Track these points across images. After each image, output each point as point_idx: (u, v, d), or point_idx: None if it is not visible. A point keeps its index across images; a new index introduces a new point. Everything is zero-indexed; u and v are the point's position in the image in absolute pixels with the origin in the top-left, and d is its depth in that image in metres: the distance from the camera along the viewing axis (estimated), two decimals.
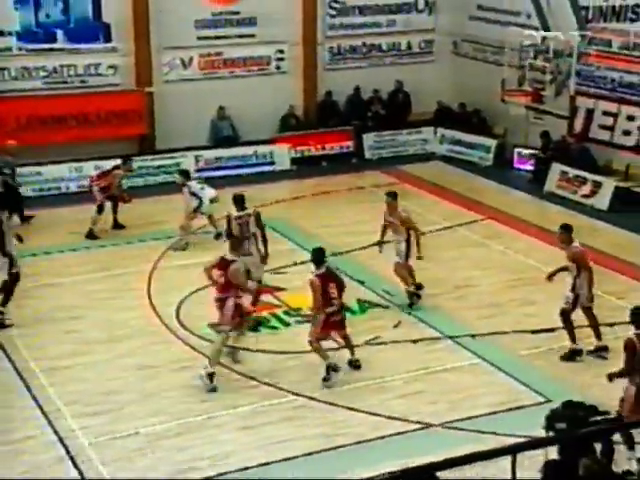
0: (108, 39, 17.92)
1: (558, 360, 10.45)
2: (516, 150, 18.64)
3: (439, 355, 10.68)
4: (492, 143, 19.03)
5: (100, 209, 14.50)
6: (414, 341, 10.97)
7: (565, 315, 10.51)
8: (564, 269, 10.58)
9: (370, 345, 10.90)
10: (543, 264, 13.25)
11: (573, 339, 10.52)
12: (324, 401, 9.63)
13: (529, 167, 18.17)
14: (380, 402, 9.63)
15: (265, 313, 11.71)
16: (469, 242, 14.38)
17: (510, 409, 9.50)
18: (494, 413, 9.45)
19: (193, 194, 14.21)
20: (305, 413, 9.47)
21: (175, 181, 14.81)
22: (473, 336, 11.07)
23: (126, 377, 10.14)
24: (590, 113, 17.09)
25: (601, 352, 10.50)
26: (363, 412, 9.44)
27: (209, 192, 14.45)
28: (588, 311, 10.57)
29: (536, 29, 17.89)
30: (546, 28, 17.82)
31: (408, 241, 11.60)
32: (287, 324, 11.57)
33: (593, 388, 9.65)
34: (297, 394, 9.78)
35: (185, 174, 14.62)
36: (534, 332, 11.13)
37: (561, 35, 17.13)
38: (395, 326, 11.44)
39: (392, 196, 11.74)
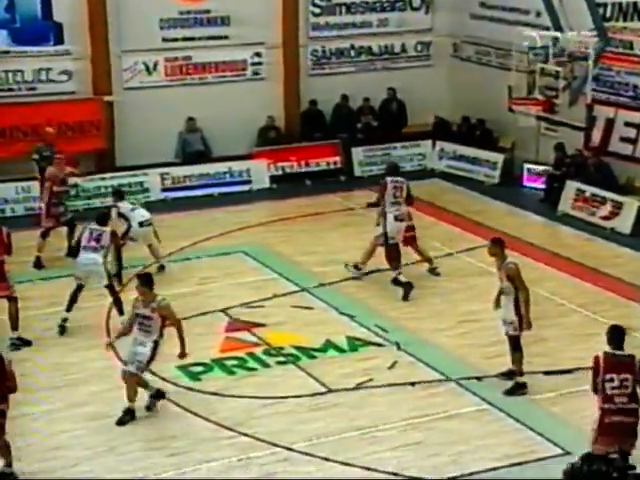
0: (60, 41, 18.02)
1: (576, 405, 10.50)
2: (526, 166, 18.82)
3: (440, 400, 10.71)
4: (498, 158, 19.20)
5: (44, 234, 14.53)
6: (412, 384, 11.00)
7: (516, 341, 10.64)
8: (501, 292, 10.76)
9: (361, 389, 10.91)
10: (557, 295, 13.38)
11: (521, 371, 10.68)
12: (309, 453, 9.61)
13: (540, 185, 18.34)
14: (372, 455, 9.61)
15: (242, 353, 11.70)
16: (472, 271, 14.46)
17: (523, 462, 9.50)
18: (504, 467, 9.44)
19: (121, 216, 14.10)
20: (287, 467, 9.45)
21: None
22: (479, 378, 11.11)
23: (79, 429, 10.09)
24: (610, 124, 17.30)
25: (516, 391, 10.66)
26: (353, 466, 9.42)
27: (140, 214, 14.25)
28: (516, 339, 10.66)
29: (547, 29, 18.10)
30: (558, 28, 18.02)
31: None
32: (267, 365, 11.57)
33: None
34: (278, 445, 9.76)
35: (118, 194, 14.58)
36: (547, 373, 11.17)
37: (576, 36, 17.34)
38: (390, 367, 11.46)
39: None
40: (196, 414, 10.30)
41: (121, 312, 12.26)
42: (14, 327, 11.87)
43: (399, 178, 13.93)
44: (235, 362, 11.53)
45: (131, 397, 10.15)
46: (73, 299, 12.38)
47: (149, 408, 10.35)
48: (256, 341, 12.11)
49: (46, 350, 11.86)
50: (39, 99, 17.77)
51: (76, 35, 18.00)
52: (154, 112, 18.48)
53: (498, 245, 10.81)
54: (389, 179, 13.80)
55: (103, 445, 9.80)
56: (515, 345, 10.73)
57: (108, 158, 18.43)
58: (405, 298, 13.25)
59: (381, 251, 13.81)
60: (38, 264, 14.48)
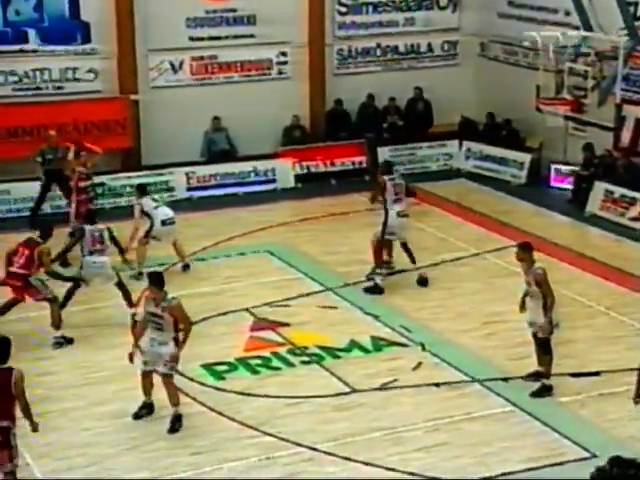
0: (87, 40, 18.15)
1: (603, 408, 10.41)
2: (553, 166, 18.70)
3: (465, 401, 10.65)
4: (525, 158, 19.10)
5: (72, 234, 14.65)
6: (436, 385, 10.95)
7: (546, 344, 10.64)
8: (527, 295, 10.75)
9: (386, 390, 10.88)
10: (584, 296, 13.27)
11: (549, 373, 10.67)
12: (332, 454, 9.60)
13: (568, 185, 18.21)
14: (396, 455, 9.58)
15: (267, 352, 11.71)
16: (498, 272, 14.38)
17: (548, 465, 9.43)
18: (529, 470, 9.38)
19: (144, 213, 14.09)
20: (311, 467, 9.44)
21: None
22: (504, 379, 11.05)
23: (104, 427, 10.13)
24: (639, 123, 17.14)
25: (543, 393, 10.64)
26: (377, 467, 9.40)
27: (163, 212, 14.24)
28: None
29: (576, 28, 17.98)
30: (588, 27, 17.89)
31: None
32: (291, 365, 11.57)
33: None
34: (302, 445, 9.75)
35: (140, 190, 14.53)
36: (574, 375, 11.08)
37: (605, 35, 17.21)
38: (415, 368, 11.43)
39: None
40: (220, 413, 10.32)
41: (130, 304, 12.32)
42: (56, 326, 11.96)
43: (394, 175, 14.01)
44: (259, 361, 11.55)
45: (175, 402, 10.03)
46: (69, 297, 12.37)
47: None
48: (280, 340, 12.12)
49: (69, 349, 11.94)
50: (66, 98, 17.90)
51: (103, 34, 18.12)
52: (180, 111, 18.55)
53: (526, 250, 10.75)
54: (387, 178, 13.73)
55: (126, 443, 9.84)
56: (545, 348, 10.69)
57: (134, 157, 18.54)
58: (367, 291, 13.35)
59: (401, 251, 13.80)
60: (65, 262, 14.57)
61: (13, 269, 12.00)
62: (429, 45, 20.63)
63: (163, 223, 14.17)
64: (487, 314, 12.83)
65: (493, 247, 15.35)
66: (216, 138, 19.00)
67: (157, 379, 10.17)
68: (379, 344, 12.02)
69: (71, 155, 15.65)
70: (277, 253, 15.10)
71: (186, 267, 14.36)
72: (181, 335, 10.00)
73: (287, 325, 12.53)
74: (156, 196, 15.02)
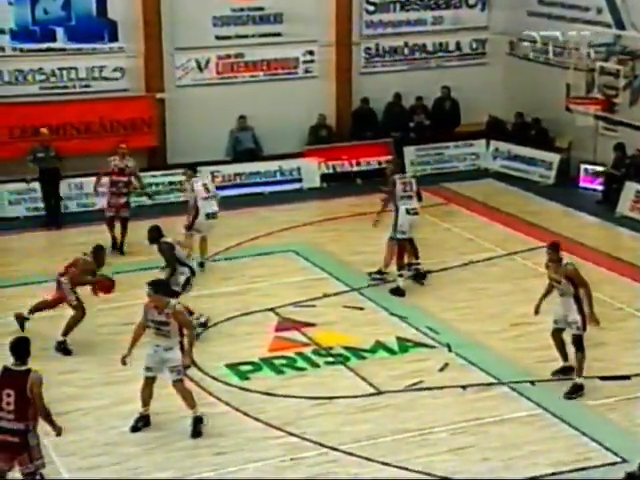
0: (114, 38, 18.25)
1: (633, 412, 10.31)
2: (583, 166, 18.55)
3: (492, 404, 10.60)
4: (554, 158, 18.96)
5: (109, 224, 15.16)
6: (463, 387, 10.91)
7: (579, 341, 10.64)
8: (547, 294, 10.95)
9: (412, 391, 10.86)
10: (615, 299, 13.15)
11: (582, 371, 10.69)
12: (358, 455, 9.59)
13: (598, 186, 18.07)
14: (423, 458, 9.55)
15: (291, 352, 11.72)
16: (527, 273, 14.29)
17: (578, 469, 9.37)
18: (558, 473, 9.32)
19: (192, 192, 14.15)
20: (335, 469, 9.43)
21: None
22: (533, 382, 10.98)
23: (128, 426, 10.17)
24: None
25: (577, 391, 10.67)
26: (403, 469, 9.37)
27: (210, 204, 14.24)
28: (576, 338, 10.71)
29: (608, 26, 17.85)
30: (620, 25, 17.76)
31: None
32: (316, 365, 11.57)
33: None
34: (327, 446, 9.75)
35: (192, 169, 14.61)
36: (603, 379, 11.00)
37: (638, 33, 17.07)
38: (441, 369, 11.39)
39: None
40: (245, 413, 10.34)
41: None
42: (64, 333, 11.89)
43: (406, 175, 14.02)
44: (284, 361, 11.56)
45: (191, 404, 10.04)
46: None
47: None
48: (305, 341, 12.12)
49: (96, 347, 12.01)
50: (93, 96, 18.01)
51: (130, 33, 18.21)
52: (205, 110, 18.60)
53: (558, 249, 10.87)
54: (397, 177, 13.70)
55: (152, 442, 9.89)
56: (578, 345, 10.69)
57: (159, 155, 18.62)
58: (392, 293, 13.32)
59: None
60: (114, 245, 15.09)
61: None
62: (457, 44, 20.54)
63: (207, 216, 14.22)
64: (515, 316, 12.75)
65: (521, 248, 15.27)
66: (242, 137, 19.03)
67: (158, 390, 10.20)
68: (405, 345, 11.99)
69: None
70: (302, 253, 15.11)
71: (201, 265, 14.31)
72: (186, 341, 10.00)
73: (312, 325, 12.53)
74: (209, 185, 14.76)
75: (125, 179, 15.38)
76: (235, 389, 10.90)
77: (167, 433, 10.04)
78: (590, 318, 10.65)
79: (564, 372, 10.98)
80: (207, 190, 14.40)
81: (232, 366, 11.35)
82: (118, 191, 15.27)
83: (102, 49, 18.16)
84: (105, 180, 15.58)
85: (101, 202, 15.99)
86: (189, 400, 10.04)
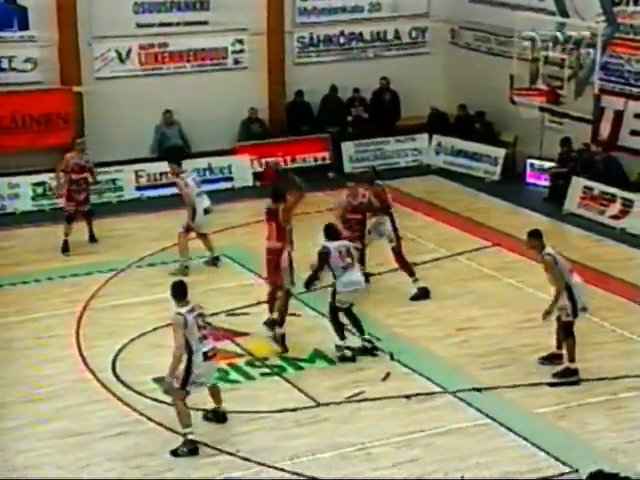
0: (25, 26, 18.01)
1: (584, 419, 10.55)
2: (529, 161, 18.91)
3: (438, 414, 10.74)
4: (499, 153, 19.29)
5: (69, 219, 15.22)
6: (407, 397, 11.02)
7: (568, 327, 11.19)
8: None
9: (353, 402, 10.93)
10: None
11: (573, 357, 11.24)
12: (297, 473, 9.62)
13: (545, 182, 18.43)
14: (365, 474, 9.62)
15: (224, 364, 11.71)
16: (472, 274, 14.52)
17: None
18: None
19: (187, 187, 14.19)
20: None
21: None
22: (479, 390, 11.15)
23: (48, 447, 10.06)
24: (619, 115, 17.37)
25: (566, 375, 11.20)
26: None
27: (205, 199, 14.48)
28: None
29: (552, 14, 18.20)
30: (564, 12, 18.12)
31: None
32: (250, 377, 11.58)
33: (628, 454, 9.78)
34: (262, 464, 9.77)
35: (177, 162, 14.68)
36: (552, 385, 11.24)
37: (582, 21, 17.41)
38: (383, 378, 11.49)
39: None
40: (172, 430, 10.28)
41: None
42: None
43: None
44: (216, 374, 11.52)
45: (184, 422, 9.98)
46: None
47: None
48: (239, 351, 12.12)
49: (13, 362, 11.84)
50: (2, 89, 17.73)
51: (42, 20, 17.98)
52: (127, 104, 18.47)
53: (534, 237, 11.34)
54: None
55: (73, 464, 9.78)
56: (567, 331, 11.19)
57: None
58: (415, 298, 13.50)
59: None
60: (65, 248, 15.14)
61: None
62: (396, 32, 20.75)
63: (206, 212, 14.31)
64: (461, 320, 12.94)
65: (466, 248, 15.49)
66: (167, 133, 18.94)
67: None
68: (342, 352, 12.04)
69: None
70: (236, 257, 15.09)
71: (217, 259, 14.58)
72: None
73: (246, 334, 12.53)
74: (196, 177, 14.91)
75: (85, 175, 15.40)
76: (163, 405, 10.83)
77: (90, 454, 9.94)
78: (545, 310, 11.22)
79: (550, 359, 11.51)
80: (197, 184, 14.56)
81: (160, 380, 11.27)
82: (79, 188, 15.31)
83: (11, 38, 17.90)
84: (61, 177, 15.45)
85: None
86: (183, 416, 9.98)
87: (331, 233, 12.05)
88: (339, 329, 11.90)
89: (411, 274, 13.68)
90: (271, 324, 12.23)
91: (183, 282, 10.31)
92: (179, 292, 10.10)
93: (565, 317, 11.22)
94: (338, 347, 11.87)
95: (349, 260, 11.81)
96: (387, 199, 13.89)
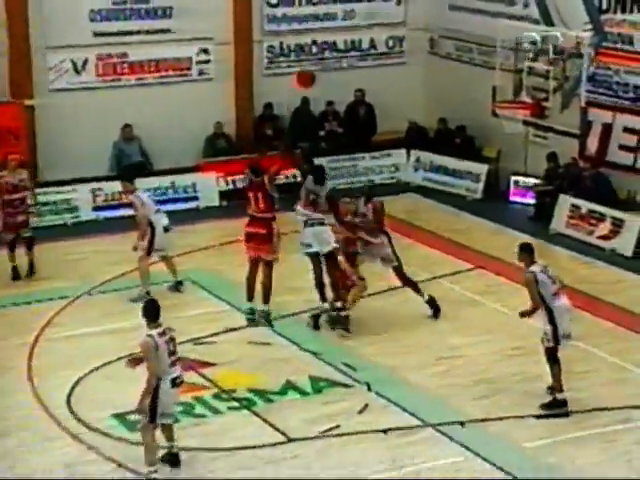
0: None
1: (574, 453, 10.60)
2: (513, 178, 19.06)
3: (418, 449, 10.74)
4: (482, 170, 19.44)
5: (11, 247, 14.99)
6: (384, 431, 11.03)
7: (549, 354, 11.30)
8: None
9: (327, 437, 10.92)
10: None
11: (560, 386, 11.29)
12: None
13: (530, 200, 18.57)
14: None
15: (188, 397, 11.66)
16: (455, 299, 14.57)
17: None
18: None
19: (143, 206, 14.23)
20: None
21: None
22: (462, 423, 11.18)
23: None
24: (607, 129, 17.56)
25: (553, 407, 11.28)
26: None
27: (163, 216, 14.50)
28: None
29: (536, 22, 18.39)
30: (548, 21, 18.30)
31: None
32: (217, 411, 11.55)
33: None
34: None
35: (130, 174, 14.91)
36: (540, 417, 11.29)
37: (568, 30, 17.59)
38: (360, 411, 11.50)
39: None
40: (133, 470, 10.22)
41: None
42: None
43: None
44: (180, 408, 11.45)
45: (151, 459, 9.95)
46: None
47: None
48: (205, 383, 12.08)
49: None
50: None
51: None
52: (84, 118, 18.48)
53: (523, 251, 11.57)
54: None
55: None
56: (549, 358, 11.29)
57: (29, 172, 18.32)
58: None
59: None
60: (15, 275, 15.08)
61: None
62: (372, 41, 20.91)
63: (165, 230, 14.33)
64: (442, 348, 12.98)
65: (447, 271, 15.56)
66: (127, 149, 18.93)
67: None
68: (319, 385, 12.07)
69: None
70: (201, 281, 15.07)
71: (180, 284, 14.62)
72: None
73: (212, 365, 12.50)
74: (152, 196, 15.08)
75: (20, 195, 15.16)
76: (123, 443, 10.77)
77: None
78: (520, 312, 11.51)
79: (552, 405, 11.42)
80: (154, 202, 14.65)
81: (119, 416, 11.22)
82: (14, 211, 15.09)
83: None
84: None
85: None
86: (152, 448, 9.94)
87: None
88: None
89: (417, 290, 13.84)
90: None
91: (155, 301, 10.23)
92: (151, 312, 10.03)
93: (547, 343, 11.32)
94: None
95: None
96: (384, 217, 13.95)
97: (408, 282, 13.91)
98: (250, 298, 13.63)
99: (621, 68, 17.32)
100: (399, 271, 13.84)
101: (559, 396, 11.31)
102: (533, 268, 11.39)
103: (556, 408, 11.25)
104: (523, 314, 11.52)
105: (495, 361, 12.63)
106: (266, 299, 13.59)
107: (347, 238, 13.57)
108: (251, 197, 13.49)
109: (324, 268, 13.54)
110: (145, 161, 19.07)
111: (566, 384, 11.42)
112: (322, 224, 13.56)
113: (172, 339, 10.05)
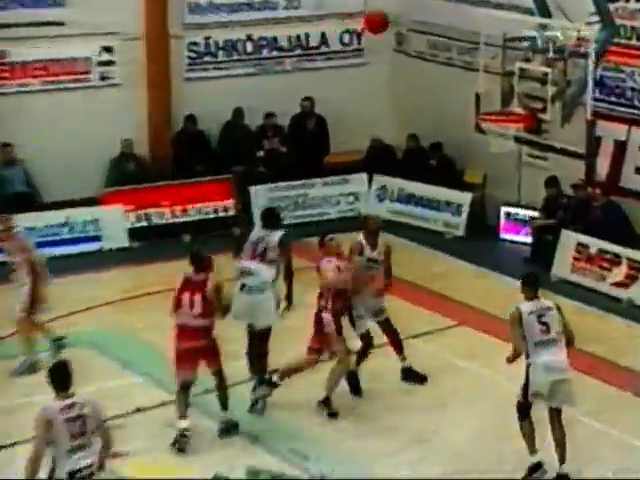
0: None
1: None
2: (503, 210, 19.27)
3: None
4: (464, 199, 19.63)
5: None
6: None
7: (520, 409, 11.76)
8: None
9: None
10: None
11: (532, 448, 11.83)
12: None
13: (525, 238, 18.78)
14: None
15: None
16: (432, 364, 14.62)
17: None
18: None
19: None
20: None
21: None
22: None
23: None
24: (620, 148, 17.78)
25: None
26: None
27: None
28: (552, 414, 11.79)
29: (530, 13, 18.61)
30: (545, 11, 18.49)
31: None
32: None
33: None
34: None
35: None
36: None
37: (570, 23, 17.81)
38: None
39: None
40: None
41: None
42: None
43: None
44: None
45: None
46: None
47: None
48: (112, 477, 12.04)
49: None
50: None
51: None
52: None
53: (526, 284, 12.09)
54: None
55: None
56: (518, 413, 11.76)
57: None
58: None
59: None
60: None
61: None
62: (323, 36, 21.09)
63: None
64: (415, 429, 13.05)
65: (422, 329, 15.65)
66: (8, 175, 18.91)
67: None
68: (258, 479, 12.09)
69: None
70: (103, 345, 15.03)
71: (61, 339, 14.70)
72: None
73: (119, 455, 12.45)
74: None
75: None
76: None
77: None
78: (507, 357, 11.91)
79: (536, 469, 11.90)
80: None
81: None
82: None
83: None
84: None
85: None
86: None
87: None
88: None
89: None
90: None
91: (65, 363, 9.89)
92: (57, 378, 9.70)
93: (516, 397, 11.79)
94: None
95: None
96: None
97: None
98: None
99: (636, 70, 17.51)
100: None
101: (532, 458, 11.75)
102: (523, 305, 11.78)
103: (533, 472, 11.74)
104: (508, 359, 11.91)
105: (481, 443, 12.63)
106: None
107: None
108: (184, 298, 12.61)
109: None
110: (30, 191, 19.03)
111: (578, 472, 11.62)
112: (263, 291, 13.61)
113: (82, 417, 9.69)
